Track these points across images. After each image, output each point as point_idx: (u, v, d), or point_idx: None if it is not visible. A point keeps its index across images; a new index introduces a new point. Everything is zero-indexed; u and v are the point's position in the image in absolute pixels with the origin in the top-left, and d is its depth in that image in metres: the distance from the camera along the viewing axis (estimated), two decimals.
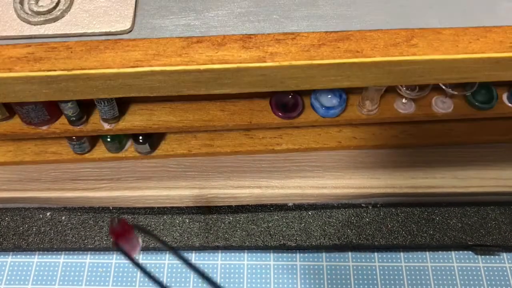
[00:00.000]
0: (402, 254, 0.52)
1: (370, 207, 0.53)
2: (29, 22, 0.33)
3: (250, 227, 0.52)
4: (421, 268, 0.52)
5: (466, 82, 0.46)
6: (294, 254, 0.53)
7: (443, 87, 0.45)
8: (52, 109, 0.43)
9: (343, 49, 0.32)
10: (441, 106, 0.47)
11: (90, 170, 0.52)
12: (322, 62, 0.32)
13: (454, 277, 0.51)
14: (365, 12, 0.34)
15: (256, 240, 0.52)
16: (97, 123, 0.45)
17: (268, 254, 0.53)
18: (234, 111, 0.47)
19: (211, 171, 0.52)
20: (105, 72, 0.32)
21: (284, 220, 0.52)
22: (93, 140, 0.51)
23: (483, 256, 0.52)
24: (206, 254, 0.53)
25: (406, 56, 0.32)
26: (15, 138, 0.51)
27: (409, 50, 0.32)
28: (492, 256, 0.52)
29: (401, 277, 0.51)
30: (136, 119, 0.46)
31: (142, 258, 0.53)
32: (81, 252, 0.53)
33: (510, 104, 0.48)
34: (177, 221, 0.53)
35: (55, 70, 0.31)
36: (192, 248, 0.52)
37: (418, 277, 0.51)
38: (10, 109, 0.44)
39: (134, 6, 0.34)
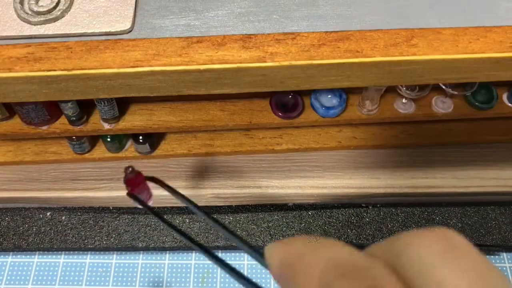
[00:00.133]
0: None
1: (370, 207, 0.53)
2: (29, 22, 0.33)
3: (250, 227, 0.52)
4: None
5: (466, 82, 0.46)
6: None
7: (443, 87, 0.45)
8: (52, 109, 0.43)
9: (343, 49, 0.32)
10: (441, 106, 0.47)
11: (90, 170, 0.52)
12: (322, 62, 0.32)
13: None
14: (365, 12, 0.34)
15: (256, 240, 0.52)
16: (97, 123, 0.45)
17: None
18: (234, 111, 0.47)
19: (211, 171, 0.52)
20: (105, 72, 0.32)
21: (284, 220, 0.52)
22: (93, 140, 0.51)
23: None
24: None
25: (406, 56, 0.32)
26: (15, 138, 0.51)
27: (409, 50, 0.32)
28: (492, 256, 0.52)
29: None
30: (136, 119, 0.46)
31: (142, 258, 0.53)
32: (81, 252, 0.53)
33: (510, 104, 0.48)
34: (177, 221, 0.53)
35: (55, 70, 0.31)
36: (192, 248, 0.52)
37: None
38: (10, 109, 0.44)
39: (134, 6, 0.34)
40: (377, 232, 0.51)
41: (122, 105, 0.45)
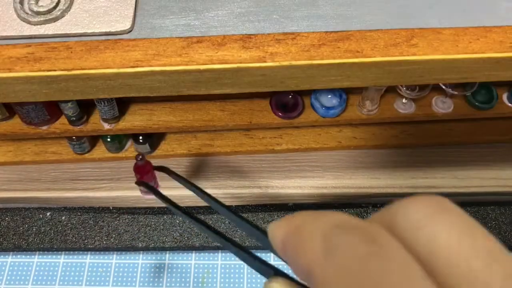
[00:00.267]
0: None
1: (370, 207, 0.53)
2: (29, 22, 0.33)
3: None
4: None
5: (466, 82, 0.46)
6: None
7: (443, 87, 0.45)
8: (52, 109, 0.43)
9: (343, 49, 0.32)
10: (441, 106, 0.47)
11: (90, 170, 0.52)
12: (322, 62, 0.32)
13: None
14: (365, 12, 0.34)
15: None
16: (97, 123, 0.45)
17: (268, 254, 0.53)
18: (234, 111, 0.47)
19: (211, 171, 0.52)
20: (105, 72, 0.32)
21: None
22: (93, 140, 0.51)
23: None
24: (206, 254, 0.53)
25: (406, 56, 0.32)
26: (15, 138, 0.51)
27: (409, 50, 0.32)
28: None
29: None
30: (136, 119, 0.46)
31: (142, 258, 0.53)
32: (81, 252, 0.53)
33: (510, 104, 0.48)
34: (177, 221, 0.53)
35: (55, 70, 0.31)
36: (192, 248, 0.52)
37: None
38: (10, 109, 0.44)
39: (134, 6, 0.34)
40: None
41: (122, 105, 0.45)
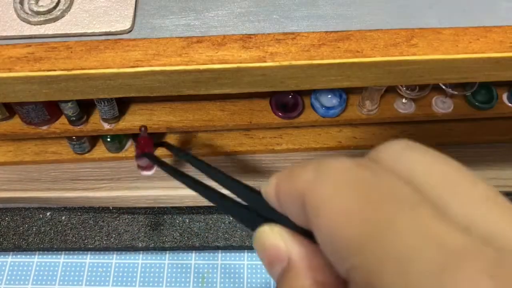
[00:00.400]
0: None
1: None
2: (29, 22, 0.33)
3: None
4: None
5: (466, 82, 0.46)
6: None
7: (443, 87, 0.45)
8: (52, 109, 0.43)
9: (343, 49, 0.32)
10: (441, 106, 0.47)
11: (90, 170, 0.52)
12: (322, 62, 0.32)
13: None
14: (365, 12, 0.34)
15: None
16: (97, 123, 0.45)
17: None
18: (234, 111, 0.47)
19: None
20: (105, 72, 0.32)
21: None
22: (93, 140, 0.51)
23: None
24: (206, 254, 0.53)
25: (406, 56, 0.32)
26: (15, 138, 0.51)
27: (409, 50, 0.32)
28: None
29: None
30: (136, 119, 0.46)
31: (142, 258, 0.53)
32: (81, 252, 0.53)
33: (510, 104, 0.48)
34: (177, 221, 0.53)
35: (55, 70, 0.31)
36: (192, 248, 0.52)
37: None
38: (10, 109, 0.44)
39: (134, 6, 0.34)
40: None
41: (122, 105, 0.45)
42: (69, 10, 0.34)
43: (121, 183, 0.52)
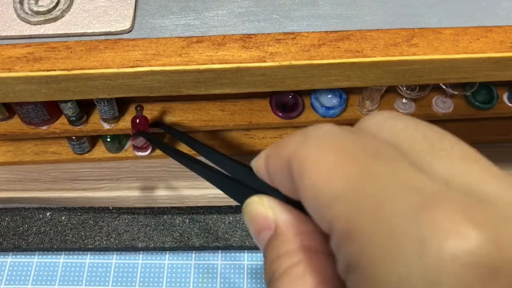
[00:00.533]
0: None
1: None
2: (29, 22, 0.33)
3: None
4: None
5: (466, 82, 0.46)
6: None
7: (443, 87, 0.45)
8: (52, 109, 0.43)
9: (343, 49, 0.32)
10: (441, 106, 0.47)
11: (90, 170, 0.52)
12: (322, 62, 0.32)
13: None
14: (365, 12, 0.34)
15: None
16: (97, 123, 0.45)
17: None
18: (234, 111, 0.47)
19: None
20: (104, 72, 0.31)
21: None
22: (93, 140, 0.51)
23: None
24: (206, 254, 0.53)
25: (406, 56, 0.32)
26: (15, 138, 0.51)
27: (409, 50, 0.32)
28: None
29: None
30: None
31: (142, 258, 0.53)
32: (81, 252, 0.53)
33: (510, 104, 0.48)
34: (177, 221, 0.53)
35: (54, 70, 0.31)
36: (192, 248, 0.52)
37: None
38: (10, 109, 0.44)
39: (134, 5, 0.34)
40: None
41: (122, 105, 0.45)
42: (69, 10, 0.34)
43: (121, 183, 0.52)
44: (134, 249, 0.52)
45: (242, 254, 0.53)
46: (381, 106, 0.47)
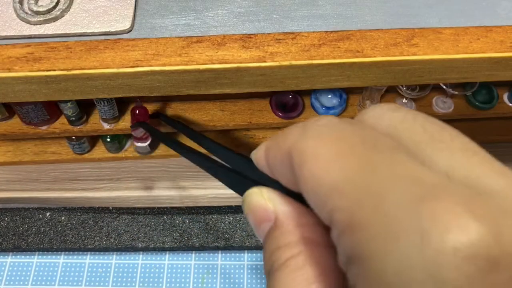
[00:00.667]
0: None
1: None
2: (28, 22, 0.33)
3: (250, 227, 0.52)
4: None
5: (467, 82, 0.46)
6: None
7: (444, 87, 0.45)
8: (52, 109, 0.43)
9: (343, 49, 0.32)
10: (442, 106, 0.47)
11: (90, 170, 0.52)
12: (322, 62, 0.32)
13: None
14: (365, 11, 0.34)
15: (256, 240, 0.52)
16: (97, 123, 0.45)
17: None
18: (234, 111, 0.47)
19: None
20: (104, 72, 0.31)
21: None
22: (93, 140, 0.50)
23: None
24: (206, 254, 0.53)
25: (407, 56, 0.32)
26: (15, 138, 0.51)
27: (410, 50, 0.32)
28: None
29: None
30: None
31: (142, 258, 0.53)
32: (80, 253, 0.53)
33: (510, 104, 0.48)
34: (177, 221, 0.53)
35: (54, 70, 0.31)
36: (192, 248, 0.52)
37: None
38: (10, 109, 0.44)
39: (133, 5, 0.34)
40: None
41: (122, 105, 0.45)
42: (69, 10, 0.34)
43: (121, 183, 0.51)
44: (134, 249, 0.52)
45: (242, 254, 0.53)
46: None
